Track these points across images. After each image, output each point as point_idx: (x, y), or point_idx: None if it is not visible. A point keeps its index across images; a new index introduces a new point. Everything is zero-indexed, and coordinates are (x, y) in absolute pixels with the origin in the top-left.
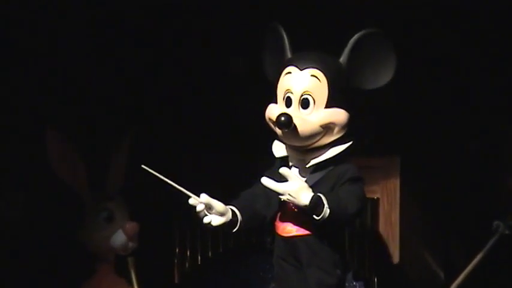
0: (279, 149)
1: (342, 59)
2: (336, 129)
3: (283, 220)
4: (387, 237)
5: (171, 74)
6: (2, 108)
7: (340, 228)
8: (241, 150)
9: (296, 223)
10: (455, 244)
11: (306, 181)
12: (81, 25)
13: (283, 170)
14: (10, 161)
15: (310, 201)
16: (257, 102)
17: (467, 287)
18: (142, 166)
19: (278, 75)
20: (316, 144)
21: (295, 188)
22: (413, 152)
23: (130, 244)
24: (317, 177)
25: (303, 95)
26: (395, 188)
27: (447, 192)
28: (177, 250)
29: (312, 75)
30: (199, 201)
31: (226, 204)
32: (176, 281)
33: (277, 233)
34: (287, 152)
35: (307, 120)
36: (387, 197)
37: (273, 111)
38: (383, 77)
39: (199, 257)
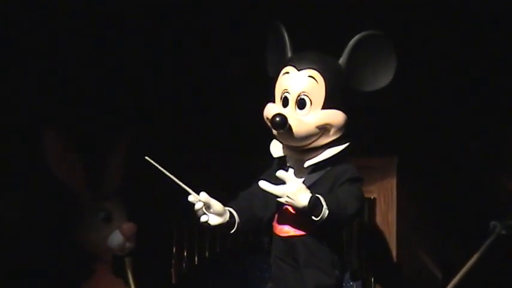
0: (276, 149)
1: (341, 60)
2: (333, 131)
3: (281, 220)
4: (384, 237)
5: (171, 74)
6: (0, 108)
7: (339, 228)
8: (241, 150)
9: (294, 223)
10: (453, 244)
11: (304, 181)
12: (81, 25)
13: (280, 173)
14: (9, 161)
15: (309, 203)
16: (257, 102)
17: (464, 286)
18: (146, 158)
19: (277, 74)
20: (313, 145)
21: (293, 189)
22: (410, 152)
23: (128, 244)
24: (315, 178)
25: (300, 96)
26: (392, 188)
27: (444, 192)
28: (174, 250)
29: (309, 76)
30: (198, 199)
31: (224, 204)
32: (173, 281)
33: (275, 233)
34: (285, 152)
35: (303, 121)
36: (384, 197)
37: (270, 110)
38: (383, 78)
39: (196, 257)
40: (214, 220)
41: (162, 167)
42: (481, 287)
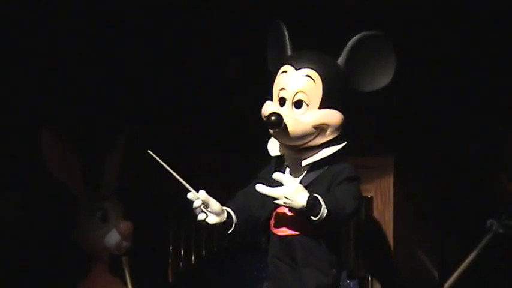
0: (274, 148)
1: (340, 60)
2: (330, 130)
3: (278, 219)
4: (381, 236)
5: (171, 74)
6: (0, 108)
7: (337, 228)
8: (241, 150)
9: (291, 222)
10: (449, 243)
11: (301, 180)
12: (81, 25)
13: (276, 175)
14: (8, 160)
15: (307, 202)
16: (257, 102)
17: (461, 285)
18: (148, 151)
19: (276, 73)
20: (310, 144)
21: (291, 190)
22: (407, 150)
23: (125, 243)
24: (313, 177)
25: (297, 95)
26: (389, 187)
27: (441, 191)
28: (171, 249)
29: (306, 76)
30: (197, 196)
31: (223, 204)
32: (170, 281)
33: (272, 232)
34: (283, 150)
35: (299, 120)
36: (381, 196)
37: (266, 109)
38: (382, 79)
39: (193, 257)
40: (211, 219)
41: (161, 167)
42: (478, 286)
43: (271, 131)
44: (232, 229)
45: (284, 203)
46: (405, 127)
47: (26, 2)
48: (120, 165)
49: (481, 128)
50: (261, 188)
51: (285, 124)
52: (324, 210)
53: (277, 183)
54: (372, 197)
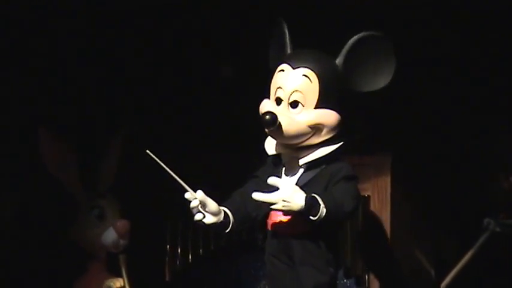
0: (271, 147)
1: (339, 60)
2: (325, 130)
3: (275, 218)
4: (378, 235)
5: (171, 74)
6: (0, 108)
7: (336, 227)
8: (241, 150)
9: (288, 221)
10: (446, 241)
11: (298, 179)
12: (81, 25)
13: (271, 180)
14: (7, 160)
15: (305, 203)
16: (257, 102)
17: (458, 284)
18: (147, 151)
19: (274, 71)
20: (306, 144)
21: (288, 193)
22: (404, 149)
23: (122, 242)
24: (310, 176)
25: (293, 94)
26: (387, 186)
27: (438, 190)
28: (168, 248)
29: (303, 75)
30: (194, 196)
31: (220, 204)
32: (167, 279)
33: (269, 231)
34: (280, 149)
35: (294, 120)
36: (378, 195)
37: (262, 107)
38: (381, 80)
39: (190, 255)
40: (208, 219)
41: (161, 167)
42: (475, 284)
43: (266, 129)
44: (229, 229)
45: (282, 206)
46: (403, 126)
47: (26, 2)
48: (118, 164)
49: (479, 127)
50: (257, 195)
51: (280, 123)
52: (322, 210)
53: (273, 189)
54: (369, 196)
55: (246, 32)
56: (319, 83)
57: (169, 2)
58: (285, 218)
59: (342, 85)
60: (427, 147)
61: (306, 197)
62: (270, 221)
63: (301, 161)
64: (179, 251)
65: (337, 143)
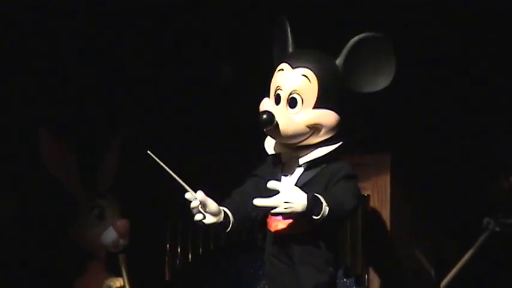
0: (271, 146)
1: (339, 60)
2: (324, 131)
3: (275, 217)
4: (378, 234)
5: (171, 74)
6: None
7: (338, 225)
8: (241, 150)
9: (288, 220)
10: (446, 241)
11: (298, 179)
12: (81, 25)
13: (270, 184)
14: (7, 160)
15: (308, 202)
16: (257, 102)
17: (458, 283)
18: (148, 152)
19: (274, 70)
20: (304, 143)
21: (289, 195)
22: (404, 149)
23: (121, 241)
24: (310, 175)
25: (292, 94)
26: (386, 185)
27: (438, 189)
28: (168, 247)
29: (302, 75)
30: (195, 197)
31: (220, 204)
32: (167, 279)
33: (269, 230)
34: (279, 149)
35: (292, 119)
36: (378, 194)
37: (262, 106)
38: (381, 81)
39: (190, 255)
40: (209, 219)
41: (161, 167)
42: (475, 284)
43: (263, 129)
44: (229, 229)
45: (285, 208)
46: (403, 126)
47: (26, 2)
48: (118, 164)
49: (479, 127)
50: (258, 202)
51: (277, 122)
52: (325, 208)
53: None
54: (368, 195)
55: (246, 32)
56: (318, 83)
57: (169, 2)
58: (283, 218)
59: (341, 86)
60: (427, 147)
61: (308, 196)
62: (269, 221)
63: (301, 161)
64: (179, 250)
65: (337, 143)
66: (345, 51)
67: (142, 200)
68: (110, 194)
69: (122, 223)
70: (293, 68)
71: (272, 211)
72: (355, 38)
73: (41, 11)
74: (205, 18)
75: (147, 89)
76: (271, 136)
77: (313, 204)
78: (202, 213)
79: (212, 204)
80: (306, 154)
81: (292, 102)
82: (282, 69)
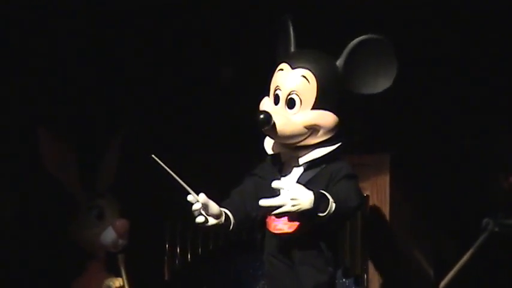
0: (270, 146)
1: (339, 61)
2: (322, 132)
3: (274, 217)
4: (377, 234)
5: (171, 74)
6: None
7: (339, 225)
8: (241, 150)
9: (287, 220)
10: (446, 241)
11: (298, 179)
12: (81, 25)
13: (274, 184)
14: (6, 160)
15: (315, 198)
16: (256, 102)
17: (457, 283)
18: (153, 156)
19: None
20: (302, 144)
21: (295, 192)
22: (403, 149)
23: (121, 241)
24: (310, 175)
25: (290, 94)
26: (386, 185)
27: (438, 189)
28: (167, 247)
29: (301, 76)
30: (197, 199)
31: (219, 204)
32: (166, 278)
33: (268, 230)
34: (277, 149)
35: (290, 120)
36: (377, 194)
37: (261, 106)
38: (381, 83)
39: (189, 255)
40: (210, 222)
41: (161, 167)
42: (475, 284)
43: (261, 128)
44: (230, 230)
45: (292, 206)
46: (402, 126)
47: (26, 2)
48: (118, 164)
49: (479, 127)
50: (264, 202)
51: (274, 123)
52: (332, 204)
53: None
54: (368, 195)
55: (246, 32)
56: (317, 84)
57: (169, 2)
58: (283, 218)
59: (341, 87)
60: (426, 147)
61: (314, 192)
62: (269, 221)
63: (300, 161)
64: (178, 250)
65: (336, 144)
66: (345, 52)
67: (141, 200)
68: (110, 194)
69: (121, 223)
70: (292, 68)
71: (278, 210)
72: (356, 40)
73: (41, 11)
74: (205, 18)
75: (147, 89)
76: (269, 136)
77: (320, 200)
78: (204, 216)
79: (214, 207)
80: (305, 154)
81: (290, 103)
82: (282, 69)
